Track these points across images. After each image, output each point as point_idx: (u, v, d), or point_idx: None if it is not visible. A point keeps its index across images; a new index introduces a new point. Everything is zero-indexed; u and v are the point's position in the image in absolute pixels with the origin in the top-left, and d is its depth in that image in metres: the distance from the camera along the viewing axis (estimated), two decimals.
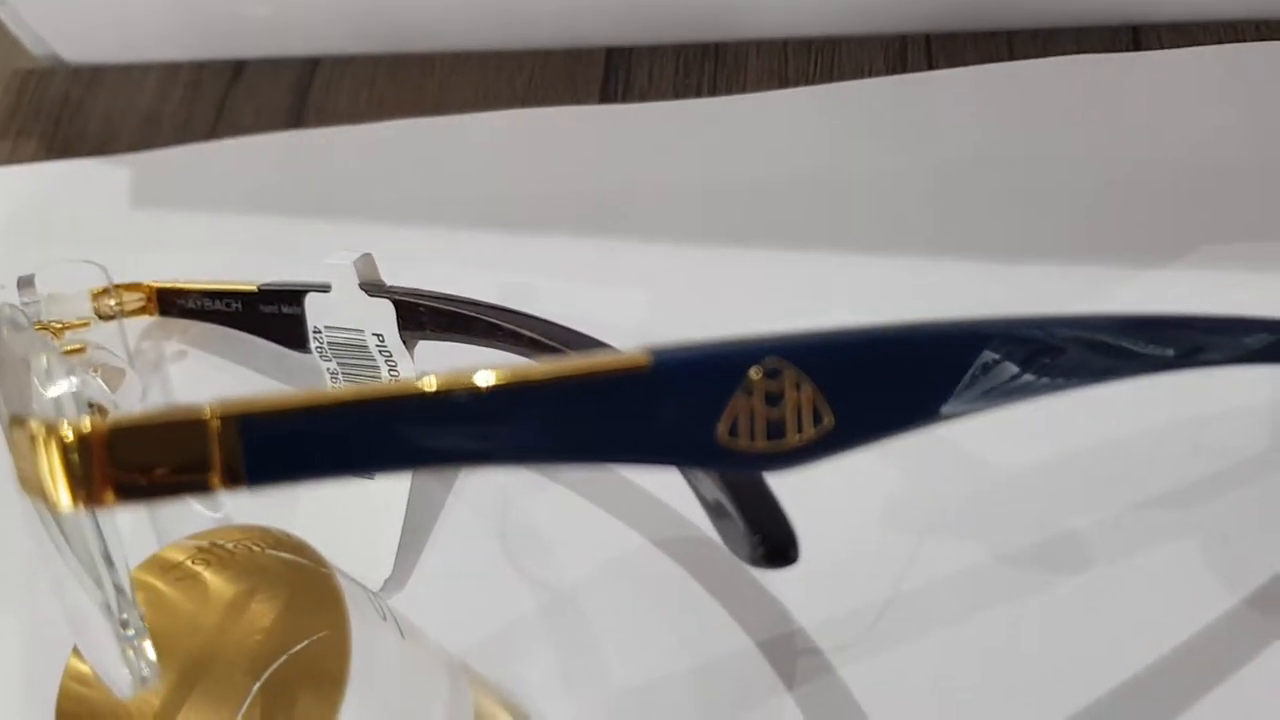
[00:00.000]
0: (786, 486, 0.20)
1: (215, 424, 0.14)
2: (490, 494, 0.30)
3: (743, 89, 0.35)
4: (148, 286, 0.35)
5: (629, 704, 0.26)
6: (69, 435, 0.14)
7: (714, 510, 0.21)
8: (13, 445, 0.15)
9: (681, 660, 0.27)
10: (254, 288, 0.32)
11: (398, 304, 0.29)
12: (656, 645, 0.27)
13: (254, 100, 0.41)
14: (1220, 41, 0.32)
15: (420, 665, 0.21)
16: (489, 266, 0.33)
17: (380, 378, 0.30)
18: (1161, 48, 0.32)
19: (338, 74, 0.41)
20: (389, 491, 0.30)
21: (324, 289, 0.30)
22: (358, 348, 0.30)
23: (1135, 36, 0.32)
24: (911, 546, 0.27)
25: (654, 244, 0.33)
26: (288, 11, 0.40)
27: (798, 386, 0.16)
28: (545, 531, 0.30)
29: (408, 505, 0.30)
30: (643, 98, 0.36)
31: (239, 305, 0.33)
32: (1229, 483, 0.25)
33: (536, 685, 0.27)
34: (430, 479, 0.31)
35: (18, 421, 0.14)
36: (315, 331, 0.31)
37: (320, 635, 0.20)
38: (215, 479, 0.14)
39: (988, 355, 0.17)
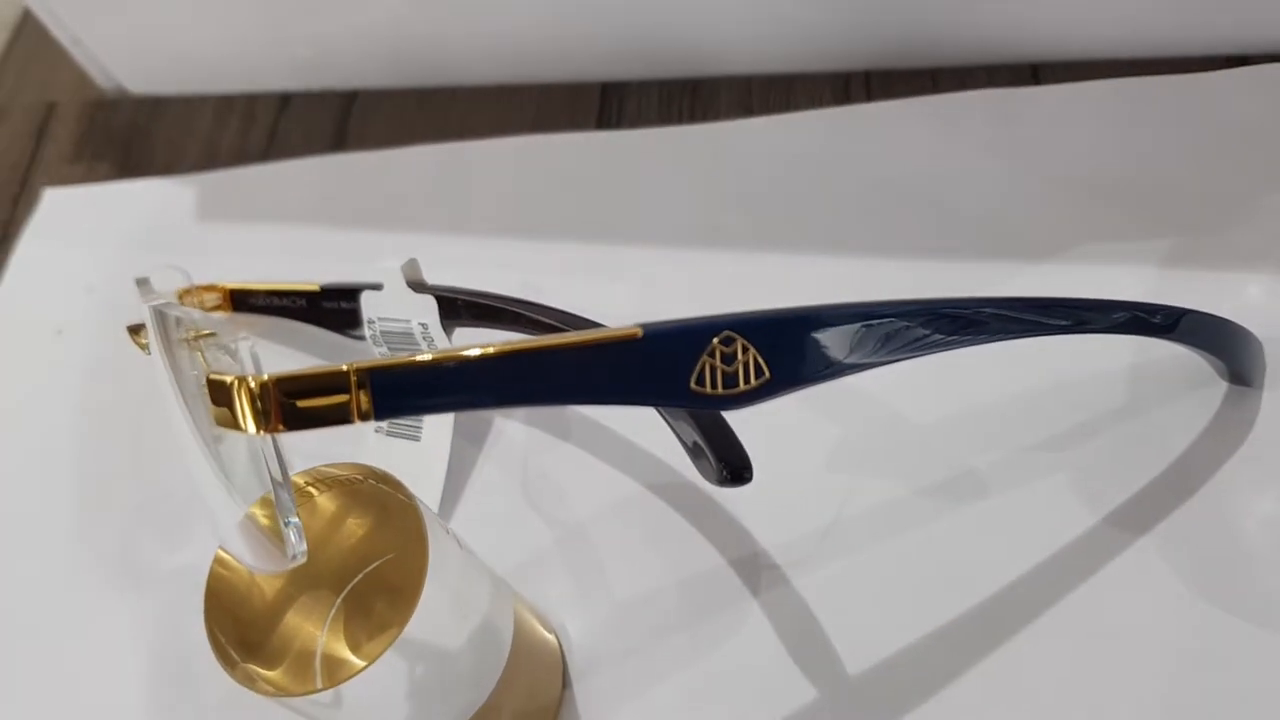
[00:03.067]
0: (750, 445, 0.27)
1: (353, 375, 0.21)
2: (513, 453, 0.37)
3: (716, 117, 0.42)
4: (222, 287, 0.42)
5: (629, 613, 0.33)
6: (254, 384, 0.21)
7: (690, 449, 0.28)
8: (212, 393, 0.22)
9: (669, 577, 0.34)
10: (316, 287, 0.39)
11: (439, 299, 0.36)
12: (649, 567, 0.34)
13: (301, 128, 0.48)
14: (1106, 77, 0.39)
15: (473, 570, 0.28)
16: (509, 268, 0.40)
17: None
18: (1057, 82, 0.39)
19: (374, 105, 0.47)
20: (433, 451, 0.37)
21: (377, 287, 0.37)
22: (405, 335, 0.37)
23: (1035, 73, 0.39)
24: (847, 484, 0.34)
25: (646, 247, 0.40)
26: (329, 52, 0.46)
27: (745, 350, 0.23)
28: (558, 481, 0.37)
29: (448, 463, 0.37)
30: (633, 125, 0.43)
31: (303, 302, 0.40)
32: (1092, 430, 0.33)
33: (555, 600, 0.34)
34: (465, 442, 0.38)
35: (218, 377, 0.21)
36: (369, 322, 0.38)
37: (406, 545, 0.26)
38: (354, 413, 0.21)
39: (880, 324, 0.24)
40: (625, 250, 0.41)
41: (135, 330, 0.40)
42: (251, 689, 0.25)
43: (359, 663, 0.25)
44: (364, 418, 0.21)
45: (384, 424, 0.38)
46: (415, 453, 0.37)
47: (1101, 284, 0.35)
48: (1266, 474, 0.31)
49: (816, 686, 0.31)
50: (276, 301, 0.40)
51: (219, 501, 0.26)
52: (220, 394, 0.21)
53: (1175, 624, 0.29)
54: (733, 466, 0.26)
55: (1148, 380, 0.33)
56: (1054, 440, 0.33)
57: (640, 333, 0.22)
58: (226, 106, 0.50)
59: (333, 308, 0.39)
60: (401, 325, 0.37)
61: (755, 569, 0.33)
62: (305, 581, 0.29)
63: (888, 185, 0.39)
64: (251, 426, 0.21)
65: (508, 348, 0.22)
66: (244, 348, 0.23)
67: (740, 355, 0.23)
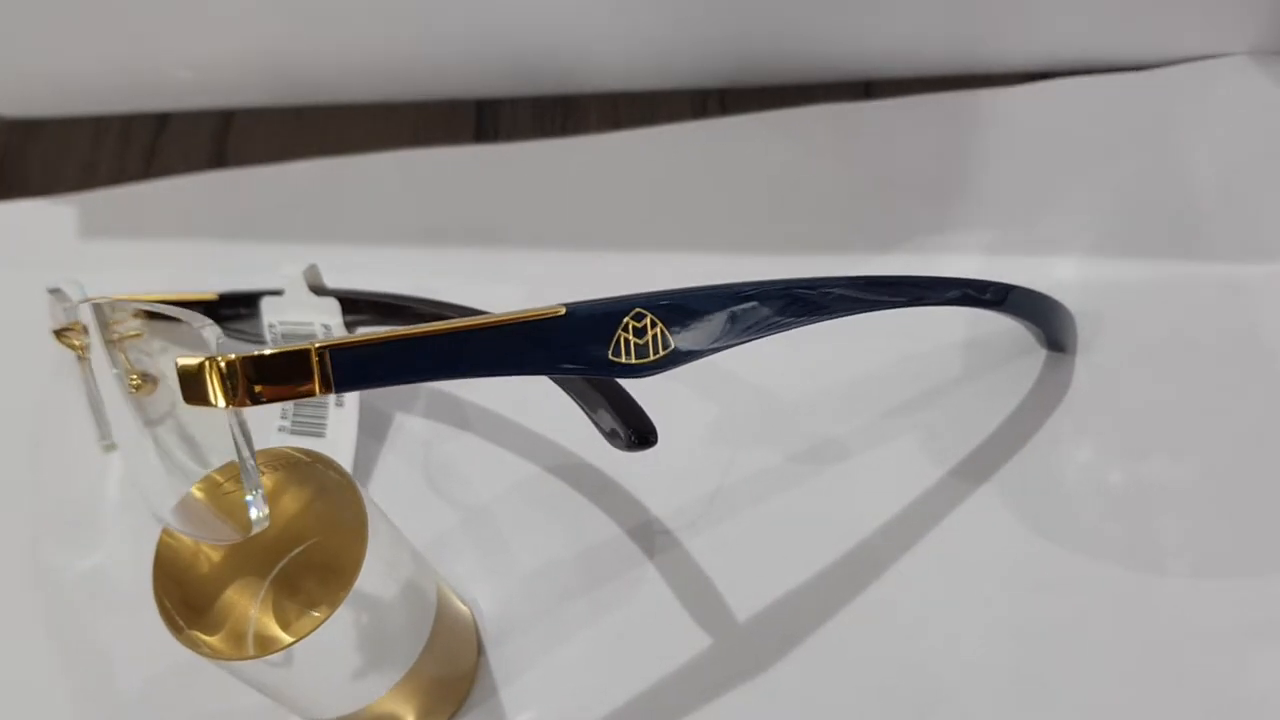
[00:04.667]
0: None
1: (315, 354, 0.24)
2: (414, 445, 0.40)
3: (587, 131, 0.46)
4: (116, 299, 0.43)
5: (534, 583, 0.36)
6: (223, 364, 0.23)
7: (596, 419, 0.31)
8: (183, 373, 0.24)
9: (569, 549, 0.37)
10: (214, 295, 0.41)
11: (341, 300, 0.38)
12: (550, 540, 0.37)
13: (180, 147, 0.49)
14: (929, 92, 0.44)
15: (401, 542, 0.31)
16: (398, 275, 0.42)
17: None
18: (887, 97, 0.44)
19: (252, 124, 0.49)
20: (338, 446, 0.39)
21: (277, 293, 0.39)
22: (308, 337, 0.39)
23: (868, 89, 0.44)
24: (727, 455, 0.37)
25: (529, 250, 0.43)
26: (208, 72, 0.48)
27: (654, 325, 0.27)
28: (459, 468, 0.39)
29: (355, 455, 0.39)
30: (509, 139, 0.46)
31: (200, 310, 0.41)
32: (934, 396, 0.37)
33: (465, 575, 0.37)
34: (368, 438, 0.40)
35: (188, 360, 0.24)
36: (270, 326, 0.40)
37: (343, 517, 0.29)
38: (318, 387, 0.24)
39: (762, 301, 0.28)
40: (507, 254, 0.44)
41: (62, 333, 0.41)
42: (197, 653, 0.27)
43: (304, 627, 0.27)
44: (325, 390, 0.24)
45: (288, 421, 0.40)
46: (320, 449, 0.39)
47: (935, 270, 0.40)
48: (1082, 427, 0.36)
49: (710, 635, 0.35)
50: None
51: (158, 485, 0.28)
52: (191, 375, 0.24)
53: (1014, 557, 0.34)
54: (640, 431, 0.29)
55: (978, 351, 0.38)
56: (902, 407, 0.37)
57: (564, 310, 0.26)
58: (102, 128, 0.50)
59: (231, 314, 0.40)
60: (304, 328, 0.39)
61: (649, 535, 0.37)
62: (247, 552, 0.30)
63: (742, 190, 0.43)
64: (221, 402, 0.23)
65: (450, 326, 0.25)
66: (209, 333, 0.25)
67: (650, 329, 0.27)
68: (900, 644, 0.33)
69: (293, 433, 0.40)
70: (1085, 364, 0.37)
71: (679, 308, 0.27)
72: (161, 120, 0.50)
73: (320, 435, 0.39)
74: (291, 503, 0.31)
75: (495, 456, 0.39)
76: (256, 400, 0.24)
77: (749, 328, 0.28)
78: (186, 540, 0.29)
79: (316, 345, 0.24)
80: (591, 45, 0.45)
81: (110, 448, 0.38)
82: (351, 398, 0.39)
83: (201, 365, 0.23)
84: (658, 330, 0.27)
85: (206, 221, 0.47)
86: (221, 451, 0.39)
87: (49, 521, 0.41)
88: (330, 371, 0.24)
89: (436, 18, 0.45)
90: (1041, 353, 0.37)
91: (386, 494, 0.39)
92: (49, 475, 0.42)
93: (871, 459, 0.37)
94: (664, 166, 0.45)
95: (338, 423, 0.39)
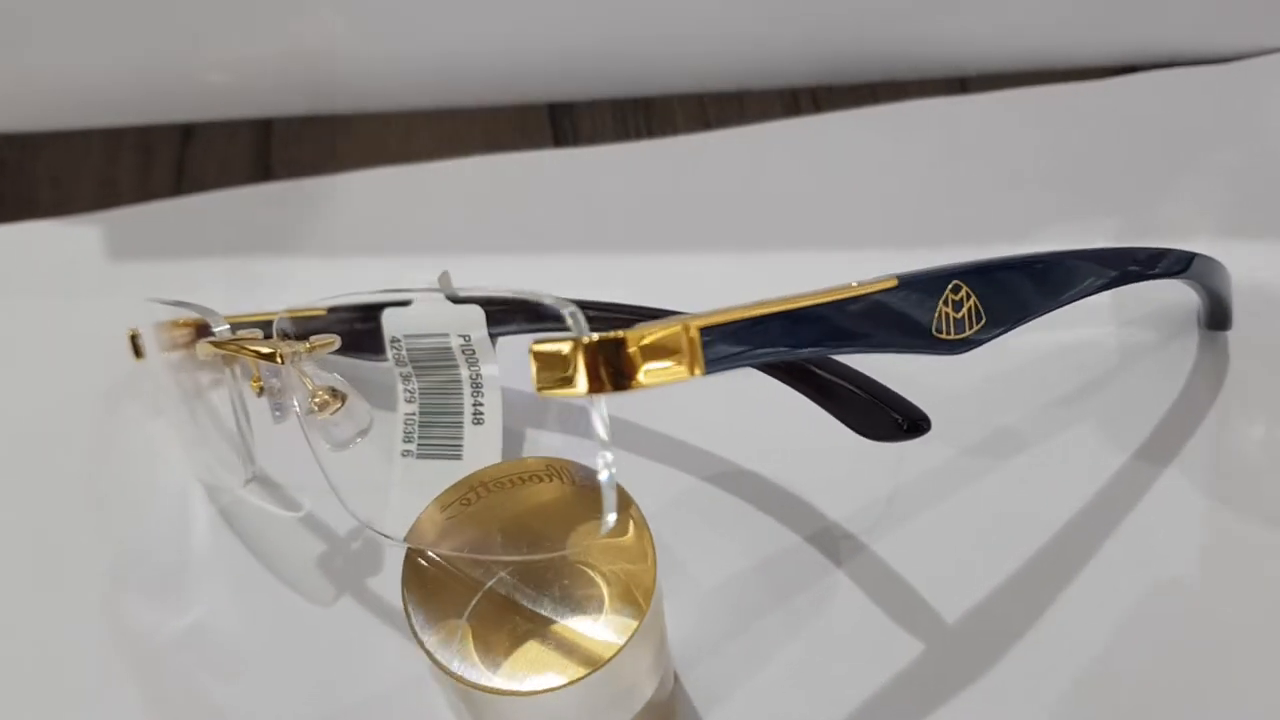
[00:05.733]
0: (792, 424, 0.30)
1: (687, 332, 0.21)
2: None
3: (675, 133, 0.44)
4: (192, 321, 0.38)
5: (718, 602, 0.34)
6: (588, 343, 0.20)
7: (861, 407, 0.29)
8: (542, 357, 0.21)
9: (749, 562, 0.35)
10: (322, 310, 0.37)
11: (484, 305, 0.35)
12: (726, 555, 0.35)
13: (215, 159, 0.45)
14: (1029, 85, 0.44)
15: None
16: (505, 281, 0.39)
17: (459, 378, 0.36)
18: (984, 91, 0.44)
19: (294, 134, 0.45)
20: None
21: (402, 304, 0.36)
22: (440, 351, 0.36)
23: (964, 84, 0.44)
24: (895, 451, 0.36)
25: (628, 254, 0.41)
26: (244, 76, 0.44)
27: (969, 298, 0.25)
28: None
29: None
30: (592, 143, 0.44)
31: (302, 325, 0.37)
32: (1099, 385, 0.37)
33: None
34: None
35: (551, 343, 0.21)
36: (393, 341, 0.36)
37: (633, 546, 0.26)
38: (690, 369, 0.21)
39: (1052, 270, 0.27)
40: (604, 259, 0.41)
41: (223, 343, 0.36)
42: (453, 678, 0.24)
43: (578, 661, 0.24)
44: (696, 372, 0.21)
45: (413, 445, 0.36)
46: (459, 473, 0.36)
47: None
48: (1251, 403, 0.36)
49: (920, 640, 0.33)
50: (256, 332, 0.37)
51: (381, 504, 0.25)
52: (557, 359, 0.21)
53: (1205, 535, 0.34)
54: (912, 417, 0.28)
55: (1130, 338, 0.38)
56: (1068, 396, 0.37)
57: (896, 282, 0.24)
58: (113, 141, 0.45)
59: (345, 330, 0.37)
60: (437, 341, 0.36)
61: (832, 541, 0.35)
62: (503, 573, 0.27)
63: (846, 186, 0.42)
64: (584, 387, 0.21)
65: (804, 302, 0.22)
66: (569, 312, 0.22)
67: (965, 302, 0.25)
68: (1114, 633, 0.32)
69: (419, 457, 0.36)
70: (1239, 341, 0.37)
71: (992, 279, 0.26)
72: (186, 131, 0.45)
73: (456, 458, 0.36)
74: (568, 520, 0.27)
75: (646, 470, 0.37)
76: (621, 387, 0.21)
77: (1049, 300, 0.27)
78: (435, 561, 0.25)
79: (688, 322, 0.21)
80: (674, 44, 0.43)
81: (250, 481, 0.34)
82: (493, 413, 0.36)
83: (574, 346, 0.20)
84: (972, 303, 0.25)
85: (260, 237, 0.43)
86: (440, 470, 0.36)
87: (125, 576, 0.36)
88: (701, 351, 0.21)
89: (503, 15, 0.42)
90: (1194, 335, 0.38)
91: None
92: (116, 521, 0.37)
93: (1050, 448, 0.36)
94: (762, 164, 0.43)
95: (477, 443, 0.36)
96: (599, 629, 0.25)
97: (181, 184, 0.44)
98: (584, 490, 0.27)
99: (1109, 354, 0.38)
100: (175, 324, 0.37)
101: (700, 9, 0.42)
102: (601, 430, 0.22)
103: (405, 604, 0.25)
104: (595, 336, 0.21)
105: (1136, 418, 0.36)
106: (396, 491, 0.35)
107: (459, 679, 0.24)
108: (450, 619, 0.25)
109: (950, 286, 0.25)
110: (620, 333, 0.21)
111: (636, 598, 0.25)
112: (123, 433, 0.39)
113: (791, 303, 0.22)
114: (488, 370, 0.36)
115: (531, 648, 0.25)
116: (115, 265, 0.42)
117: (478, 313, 0.35)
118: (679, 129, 0.44)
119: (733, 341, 0.21)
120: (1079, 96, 0.44)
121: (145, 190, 0.44)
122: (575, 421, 0.38)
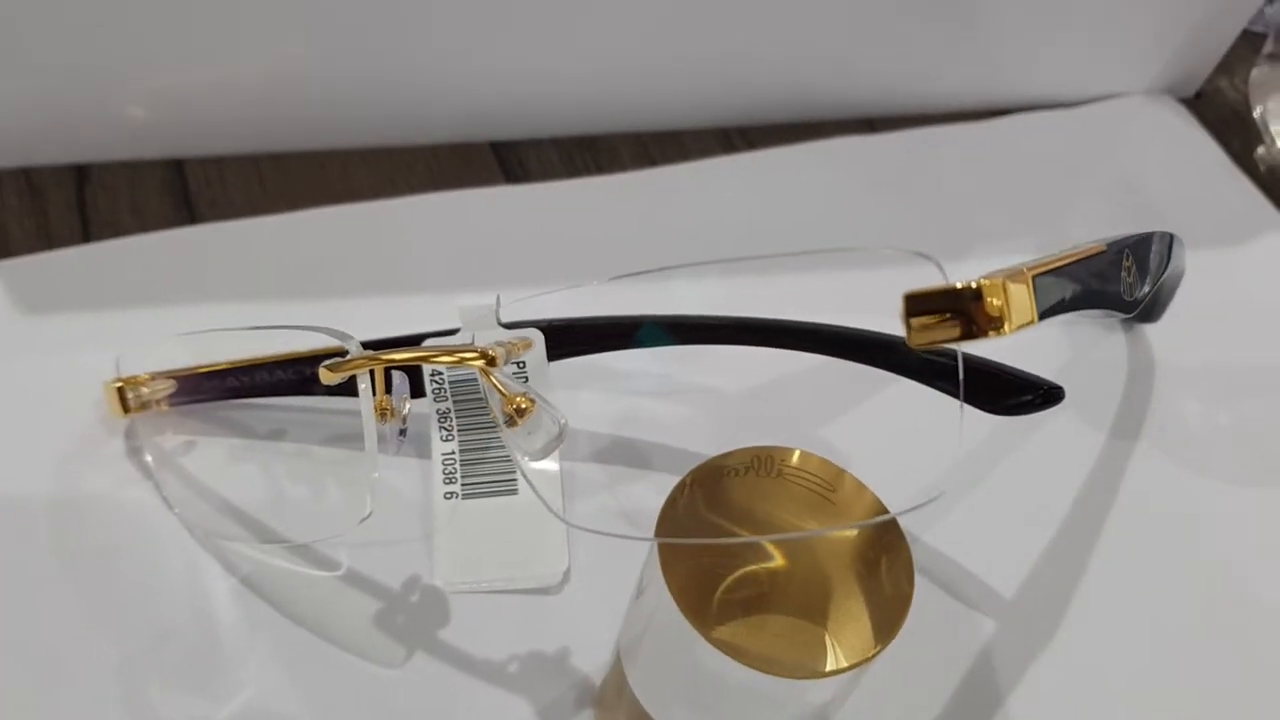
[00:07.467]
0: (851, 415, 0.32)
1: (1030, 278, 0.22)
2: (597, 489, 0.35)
3: (623, 169, 0.44)
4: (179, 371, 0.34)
5: None
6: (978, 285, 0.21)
7: (998, 385, 0.30)
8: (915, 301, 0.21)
9: None
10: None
11: (545, 329, 0.33)
12: None
13: (125, 201, 0.39)
14: (925, 125, 0.49)
15: None
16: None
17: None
18: (892, 130, 0.48)
19: (214, 172, 0.41)
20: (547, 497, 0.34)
21: (446, 333, 0.33)
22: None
23: (871, 124, 0.48)
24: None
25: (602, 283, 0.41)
26: (165, 112, 0.39)
27: (1131, 267, 0.28)
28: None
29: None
30: (544, 180, 0.43)
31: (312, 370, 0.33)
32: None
33: None
34: None
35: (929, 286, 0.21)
36: (433, 375, 0.33)
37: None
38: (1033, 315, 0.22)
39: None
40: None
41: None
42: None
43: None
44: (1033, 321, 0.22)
45: (456, 485, 0.34)
46: (517, 509, 0.34)
47: None
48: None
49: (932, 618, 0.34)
50: (280, 375, 0.33)
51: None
52: (974, 296, 0.20)
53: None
54: (1046, 389, 0.30)
55: (1068, 331, 0.43)
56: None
57: (1104, 247, 0.26)
58: None
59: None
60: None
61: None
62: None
63: (767, 212, 0.45)
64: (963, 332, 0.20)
65: (1049, 264, 0.24)
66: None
67: (1132, 271, 0.28)
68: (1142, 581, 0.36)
69: (464, 497, 0.34)
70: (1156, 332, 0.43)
71: (1143, 248, 0.29)
72: (80, 172, 0.40)
73: (511, 493, 0.34)
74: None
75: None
76: (974, 337, 0.21)
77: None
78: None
79: (1026, 270, 0.22)
80: (614, 84, 0.44)
81: (366, 518, 0.30)
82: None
83: (995, 283, 0.20)
84: (1132, 267, 0.28)
85: (194, 283, 0.38)
86: None
87: (146, 668, 0.30)
88: (1034, 297, 0.22)
89: (445, 54, 0.41)
90: (1118, 329, 0.43)
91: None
92: (118, 605, 0.31)
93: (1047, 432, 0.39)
94: (713, 199, 0.45)
95: (534, 476, 0.34)
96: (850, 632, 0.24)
97: (91, 229, 0.38)
98: (811, 483, 0.26)
99: (1052, 351, 0.42)
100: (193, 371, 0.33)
101: (637, 52, 0.43)
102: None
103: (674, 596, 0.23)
104: (974, 282, 0.21)
105: (1100, 401, 0.41)
106: None
107: (755, 661, 0.23)
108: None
109: (1124, 255, 0.27)
110: (983, 279, 0.21)
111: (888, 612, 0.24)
112: (93, 504, 0.33)
113: (1054, 261, 0.24)
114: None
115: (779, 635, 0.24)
116: (30, 317, 0.36)
117: (537, 335, 0.33)
118: (626, 165, 0.44)
119: (1054, 291, 0.23)
120: (967, 133, 0.49)
121: (44, 235, 0.38)
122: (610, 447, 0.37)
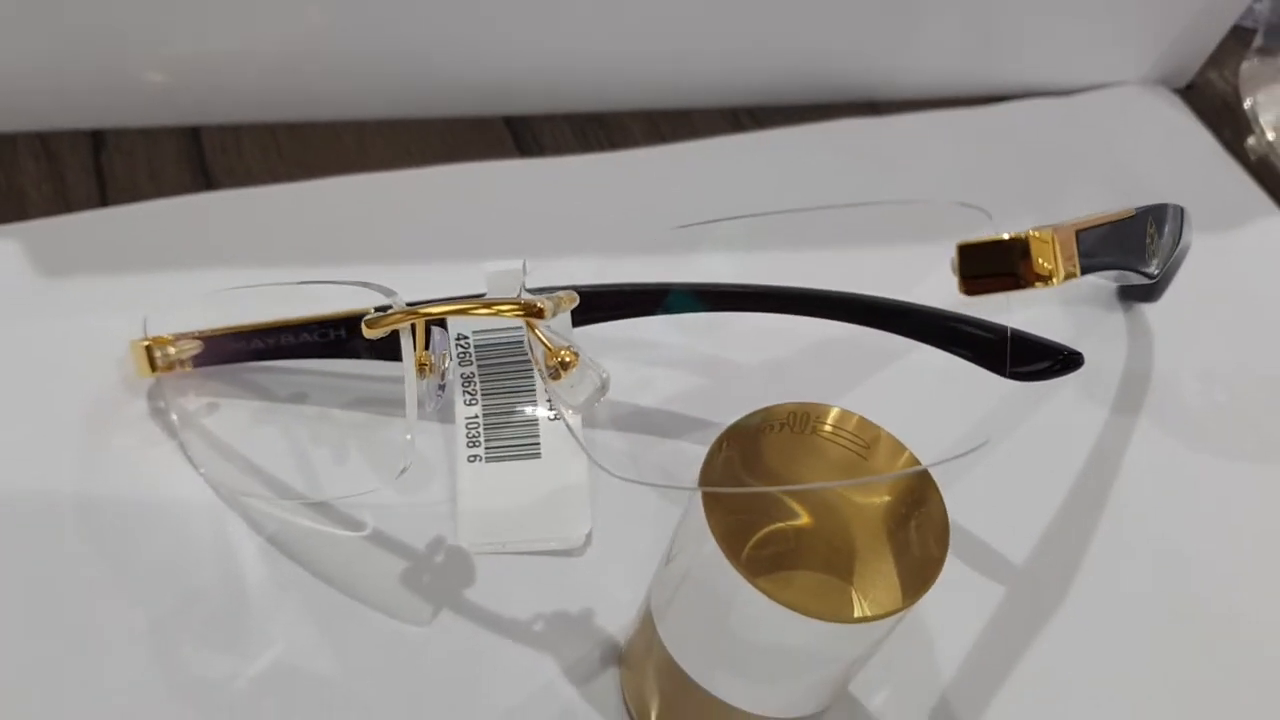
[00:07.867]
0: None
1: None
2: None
3: (634, 145, 0.45)
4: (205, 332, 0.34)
5: None
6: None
7: (1025, 351, 0.31)
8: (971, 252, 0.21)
9: None
10: (370, 309, 0.34)
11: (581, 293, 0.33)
12: None
13: (144, 167, 0.39)
14: (925, 109, 0.50)
15: None
16: None
17: (533, 372, 0.34)
18: (895, 114, 0.49)
19: (230, 141, 0.41)
20: (567, 467, 0.34)
21: (474, 297, 0.33)
22: (511, 345, 0.34)
23: (874, 106, 0.49)
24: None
25: (620, 257, 0.41)
26: (183, 77, 0.39)
27: (1156, 236, 0.29)
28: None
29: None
30: (557, 154, 0.44)
31: (342, 332, 0.34)
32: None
33: None
34: None
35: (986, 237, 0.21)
36: (459, 338, 0.34)
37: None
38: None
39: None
40: (593, 261, 0.41)
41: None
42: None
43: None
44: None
45: (480, 449, 0.34)
46: (540, 472, 0.34)
47: None
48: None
49: (997, 582, 0.35)
50: (306, 337, 0.34)
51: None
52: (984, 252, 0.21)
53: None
54: (1065, 354, 0.31)
55: (1072, 310, 0.43)
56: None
57: (1134, 213, 0.27)
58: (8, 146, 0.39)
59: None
60: (510, 335, 0.34)
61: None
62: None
63: (774, 191, 0.45)
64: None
65: (1090, 222, 0.25)
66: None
67: (1155, 239, 0.29)
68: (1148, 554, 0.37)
69: (489, 460, 0.34)
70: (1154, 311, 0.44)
71: (1162, 216, 0.29)
72: (96, 137, 0.40)
73: (534, 457, 0.34)
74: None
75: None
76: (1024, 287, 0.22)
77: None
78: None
79: (1071, 225, 0.23)
80: (627, 63, 0.44)
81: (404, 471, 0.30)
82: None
83: (1045, 236, 0.21)
84: (1154, 234, 0.29)
85: (211, 248, 0.38)
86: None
87: (173, 626, 0.30)
88: (1079, 251, 0.23)
89: (461, 29, 0.41)
90: (1118, 309, 0.44)
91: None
92: (159, 560, 0.31)
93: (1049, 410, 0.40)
94: (721, 176, 0.45)
95: (556, 441, 0.34)
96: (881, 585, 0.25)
97: (109, 194, 0.38)
98: (847, 442, 0.27)
99: (1063, 327, 0.43)
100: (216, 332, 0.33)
101: (651, 30, 0.44)
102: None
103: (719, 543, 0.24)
104: (1024, 234, 0.21)
105: (1105, 376, 0.41)
106: None
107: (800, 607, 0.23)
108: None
109: (1148, 223, 0.28)
110: (1031, 231, 0.22)
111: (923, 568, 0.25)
112: (118, 464, 0.33)
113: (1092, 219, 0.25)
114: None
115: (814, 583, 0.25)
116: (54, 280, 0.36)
117: (571, 299, 0.34)
118: (637, 142, 0.45)
119: (1095, 247, 0.23)
120: (968, 118, 0.50)
121: (62, 200, 0.38)
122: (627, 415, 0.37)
